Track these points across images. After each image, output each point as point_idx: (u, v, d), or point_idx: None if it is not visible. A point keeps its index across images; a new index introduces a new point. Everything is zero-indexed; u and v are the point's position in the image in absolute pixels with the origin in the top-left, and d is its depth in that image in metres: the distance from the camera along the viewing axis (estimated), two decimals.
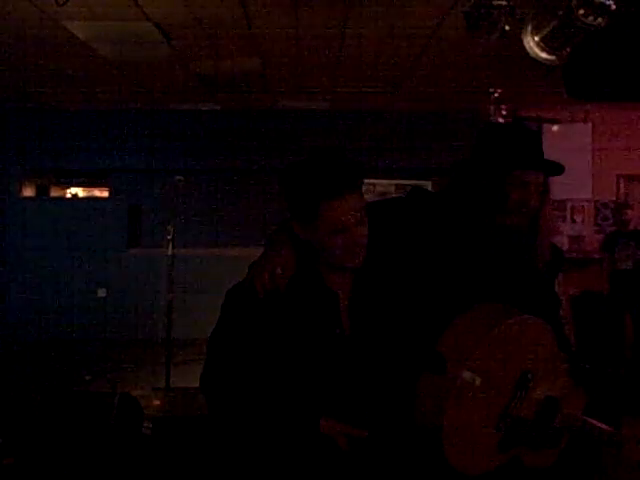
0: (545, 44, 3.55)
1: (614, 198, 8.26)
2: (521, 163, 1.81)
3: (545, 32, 3.51)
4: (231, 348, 1.70)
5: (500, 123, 6.31)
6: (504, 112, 6.43)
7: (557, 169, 1.89)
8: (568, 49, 3.51)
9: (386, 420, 1.70)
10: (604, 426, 1.81)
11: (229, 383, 1.68)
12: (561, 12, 3.28)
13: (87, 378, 5.50)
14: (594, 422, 1.81)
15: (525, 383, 1.72)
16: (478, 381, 1.66)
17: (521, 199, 1.80)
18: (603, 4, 3.09)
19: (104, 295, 8.30)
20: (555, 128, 8.09)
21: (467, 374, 1.65)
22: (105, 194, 8.83)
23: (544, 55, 3.62)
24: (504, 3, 3.52)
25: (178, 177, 5.75)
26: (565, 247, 8.31)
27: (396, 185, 8.27)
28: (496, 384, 1.69)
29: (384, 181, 8.31)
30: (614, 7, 3.10)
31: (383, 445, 1.69)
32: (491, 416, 1.70)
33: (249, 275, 1.72)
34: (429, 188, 7.35)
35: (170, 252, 5.76)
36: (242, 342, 1.69)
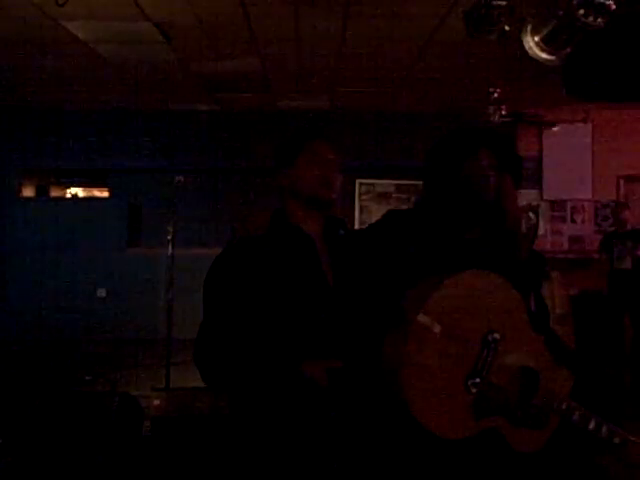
0: (545, 44, 3.55)
1: (614, 198, 8.26)
2: (474, 142, 1.96)
3: (545, 32, 3.51)
4: (221, 308, 1.83)
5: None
6: (504, 112, 6.42)
7: (506, 146, 2.02)
8: (568, 49, 3.51)
9: (361, 359, 1.78)
10: (602, 420, 1.77)
11: (220, 340, 1.80)
12: (561, 12, 3.28)
13: (87, 378, 5.49)
14: (587, 412, 1.77)
15: (492, 343, 1.70)
16: (437, 328, 1.64)
17: (475, 169, 1.93)
18: (603, 4, 3.09)
19: (104, 295, 8.30)
20: (555, 128, 8.10)
21: (423, 317, 1.64)
22: (105, 194, 8.83)
23: (544, 55, 3.61)
24: (504, 3, 3.52)
25: (178, 177, 5.75)
26: (565, 247, 8.32)
27: (396, 185, 8.27)
28: (459, 336, 1.67)
29: (384, 181, 8.31)
30: (614, 7, 3.10)
31: (353, 410, 1.76)
32: (457, 373, 1.67)
33: (230, 239, 1.94)
34: None
35: (170, 252, 5.76)
36: (230, 300, 1.82)
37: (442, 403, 1.65)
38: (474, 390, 1.69)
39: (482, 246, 1.93)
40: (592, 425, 1.77)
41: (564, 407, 1.76)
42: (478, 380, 1.69)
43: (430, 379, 1.64)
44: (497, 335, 1.71)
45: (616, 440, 1.77)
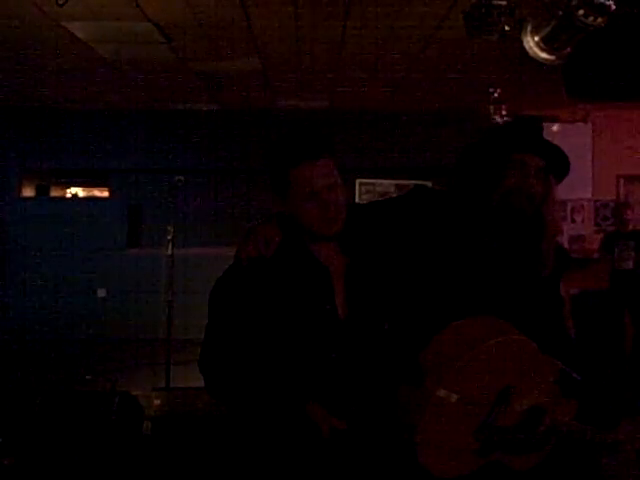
0: (545, 44, 3.55)
1: (614, 198, 8.26)
2: (519, 146, 1.78)
3: (545, 32, 3.51)
4: (226, 327, 1.72)
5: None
6: (504, 112, 6.43)
7: (558, 154, 1.81)
8: (568, 49, 3.51)
9: (366, 417, 1.70)
10: (594, 430, 1.79)
11: (224, 362, 1.71)
12: (561, 12, 3.28)
13: (87, 378, 5.49)
14: (581, 425, 1.78)
15: (506, 397, 1.70)
16: (454, 398, 1.66)
17: (520, 181, 1.76)
18: (603, 4, 3.09)
19: (104, 295, 8.30)
20: (555, 128, 8.09)
21: (443, 392, 1.65)
22: (105, 194, 8.83)
23: (544, 55, 3.61)
24: (504, 3, 3.52)
25: (178, 177, 5.75)
26: (565, 247, 8.30)
27: (396, 185, 8.27)
28: (475, 400, 1.68)
29: (384, 181, 8.31)
30: (614, 7, 3.10)
31: (361, 440, 1.69)
32: (468, 428, 1.70)
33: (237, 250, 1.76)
34: None
35: (170, 252, 5.76)
36: (236, 320, 1.71)
37: (450, 452, 1.69)
38: (482, 437, 1.70)
39: (509, 257, 1.82)
40: (589, 435, 1.79)
41: (564, 430, 1.78)
42: (486, 431, 1.70)
43: (442, 437, 1.67)
44: (512, 389, 1.71)
45: (609, 442, 1.80)
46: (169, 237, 5.77)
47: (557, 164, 1.81)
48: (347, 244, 1.77)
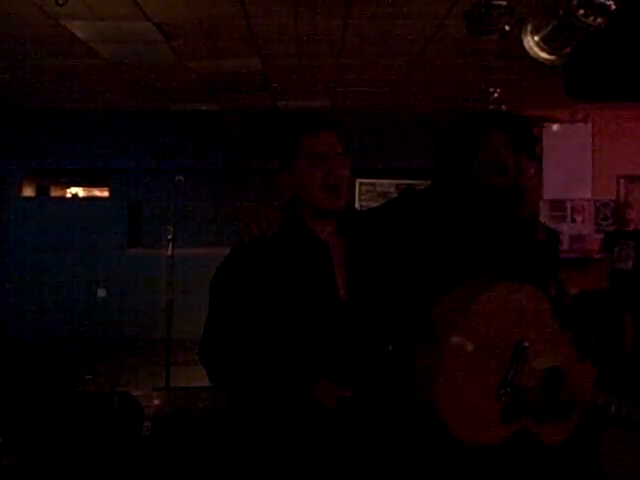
0: (545, 44, 3.55)
1: (614, 198, 8.26)
2: (484, 125, 1.89)
3: (545, 32, 3.51)
4: (230, 309, 1.73)
5: None
6: None
7: (520, 125, 1.93)
8: (568, 49, 3.51)
9: (374, 387, 1.72)
10: (620, 402, 1.80)
11: (227, 344, 1.72)
12: (561, 12, 3.28)
13: (87, 378, 5.49)
14: (608, 396, 1.80)
15: (522, 351, 1.71)
16: (470, 347, 1.66)
17: (491, 155, 1.84)
18: (603, 4, 3.09)
19: (104, 295, 8.30)
20: (555, 128, 8.10)
21: (456, 339, 1.65)
22: (105, 194, 8.83)
23: (544, 55, 3.62)
24: (504, 3, 3.52)
25: (178, 177, 5.75)
26: (565, 247, 8.31)
27: (396, 185, 8.27)
28: (491, 351, 1.68)
29: (384, 181, 8.31)
30: (614, 7, 3.10)
31: (368, 411, 1.71)
32: (489, 385, 1.68)
33: (238, 238, 1.79)
34: None
35: (170, 252, 5.76)
36: (240, 301, 1.72)
37: (473, 412, 1.68)
38: (504, 398, 1.70)
39: (502, 235, 1.89)
40: (613, 409, 1.81)
41: (588, 398, 1.80)
42: (509, 389, 1.70)
43: (462, 393, 1.66)
44: (526, 343, 1.71)
45: (635, 417, 1.81)
46: (169, 237, 5.77)
47: (521, 136, 1.90)
48: (346, 229, 1.81)
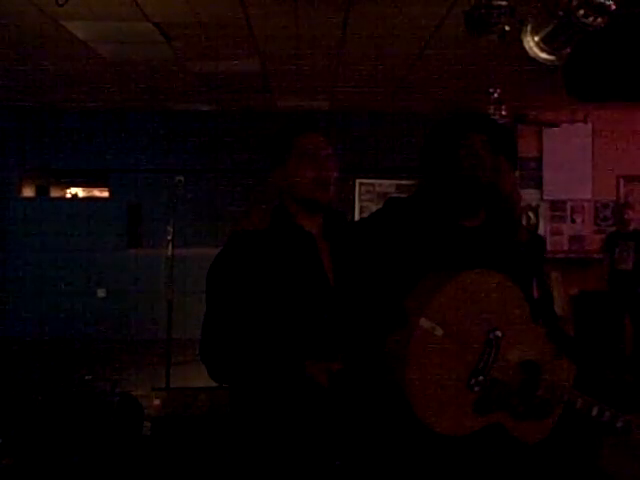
0: (545, 44, 3.55)
1: (614, 198, 8.27)
2: (463, 127, 1.95)
3: (545, 32, 3.51)
4: (226, 303, 1.81)
5: None
6: (504, 112, 6.42)
7: (497, 127, 1.99)
8: (568, 49, 3.51)
9: (358, 364, 1.76)
10: (605, 406, 1.77)
11: (227, 336, 1.78)
12: (561, 12, 3.28)
13: (87, 378, 5.49)
14: (590, 399, 1.77)
15: (495, 341, 1.71)
16: (439, 331, 1.65)
17: (469, 157, 1.89)
18: (603, 4, 3.09)
19: (104, 295, 8.30)
20: (555, 128, 8.10)
21: (425, 322, 1.65)
22: (105, 194, 8.83)
23: (544, 55, 3.61)
24: (504, 3, 3.51)
25: (178, 177, 5.75)
26: (565, 247, 8.32)
27: (396, 185, 8.27)
28: (462, 338, 1.68)
29: (384, 181, 8.31)
30: (614, 7, 3.10)
31: (358, 387, 1.76)
32: (460, 373, 1.68)
33: (231, 233, 1.91)
34: None
35: (170, 252, 5.76)
36: (235, 295, 1.80)
37: (444, 402, 1.67)
38: (477, 388, 1.70)
39: (482, 233, 1.92)
40: (595, 411, 1.78)
41: (566, 397, 1.77)
42: (481, 378, 1.70)
43: (432, 379, 1.65)
44: (499, 333, 1.71)
45: (619, 424, 1.78)
46: (169, 237, 5.77)
47: (500, 139, 1.95)
48: (331, 232, 1.92)
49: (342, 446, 1.75)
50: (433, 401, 1.66)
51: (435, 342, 1.65)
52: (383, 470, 1.79)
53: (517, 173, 7.04)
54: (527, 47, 3.64)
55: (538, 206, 8.27)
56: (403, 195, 2.23)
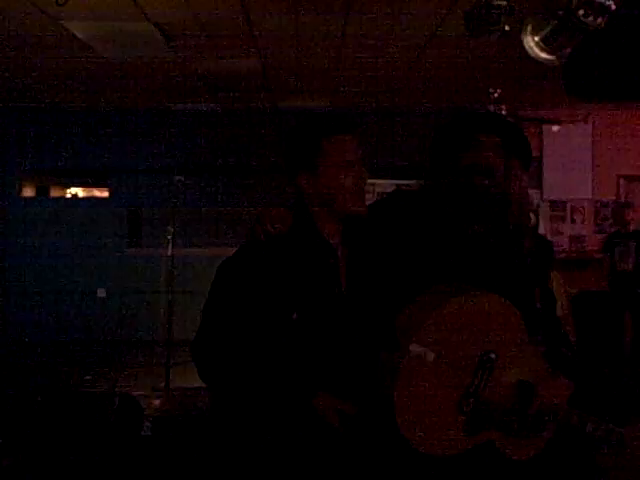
0: (545, 44, 3.55)
1: (614, 198, 8.26)
2: (473, 126, 1.86)
3: (545, 32, 3.50)
4: (227, 312, 1.71)
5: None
6: (504, 112, 6.42)
7: (512, 130, 1.89)
8: (568, 49, 3.50)
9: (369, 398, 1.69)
10: (599, 421, 1.75)
11: (223, 343, 1.68)
12: (561, 12, 3.28)
13: (87, 378, 5.50)
14: (581, 414, 1.75)
15: (488, 363, 1.67)
16: (430, 356, 1.62)
17: (476, 157, 1.81)
18: (603, 4, 3.09)
19: (104, 295, 8.30)
20: (555, 128, 8.10)
21: (416, 347, 1.61)
22: (105, 194, 8.83)
23: (544, 55, 3.61)
24: (504, 3, 3.51)
25: (178, 177, 5.75)
26: (565, 247, 8.31)
27: (396, 185, 8.27)
28: (454, 361, 1.65)
29: (384, 181, 8.31)
30: (614, 7, 3.10)
31: (372, 427, 1.68)
32: (450, 396, 1.65)
33: (248, 233, 1.78)
34: None
35: (170, 252, 5.76)
36: (242, 301, 1.69)
37: (433, 423, 1.64)
38: (466, 409, 1.67)
39: (488, 240, 1.86)
40: (590, 427, 1.76)
41: (560, 416, 1.74)
42: (472, 400, 1.67)
43: (422, 402, 1.63)
44: (493, 355, 1.69)
45: (613, 438, 1.76)
46: (169, 237, 5.78)
47: (513, 140, 1.86)
48: (350, 237, 1.81)
49: (334, 463, 1.69)
50: (423, 425, 1.63)
51: (426, 367, 1.62)
52: None
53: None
54: (527, 47, 3.63)
55: (538, 206, 8.27)
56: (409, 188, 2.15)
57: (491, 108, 6.44)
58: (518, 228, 1.90)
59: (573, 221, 8.37)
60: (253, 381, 1.65)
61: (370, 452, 1.72)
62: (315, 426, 1.61)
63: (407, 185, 8.07)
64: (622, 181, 8.29)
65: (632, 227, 6.78)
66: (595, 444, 1.79)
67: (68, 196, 9.17)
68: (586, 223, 8.37)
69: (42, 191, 8.98)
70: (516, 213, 1.89)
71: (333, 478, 1.69)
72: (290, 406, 1.62)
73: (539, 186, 8.31)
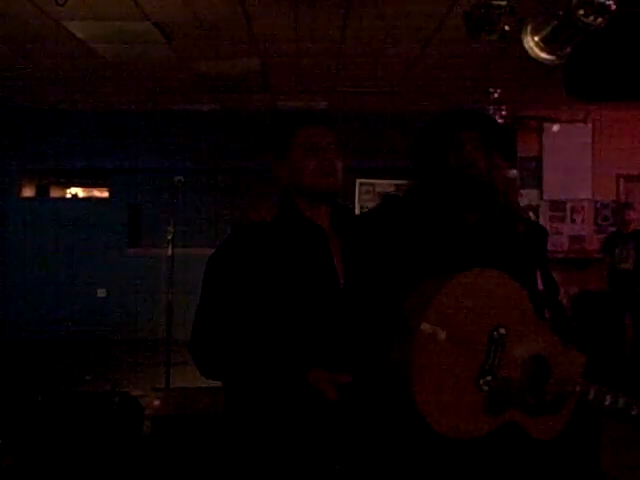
0: (545, 44, 3.55)
1: (614, 198, 8.26)
2: (455, 125, 1.91)
3: (545, 32, 3.51)
4: (221, 302, 1.73)
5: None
6: (504, 112, 6.43)
7: (489, 122, 1.96)
8: (568, 49, 3.51)
9: (369, 374, 1.71)
10: (618, 393, 1.75)
11: (220, 332, 1.70)
12: (561, 12, 3.28)
13: (87, 378, 5.50)
14: (602, 388, 1.75)
15: (500, 339, 1.68)
16: (442, 334, 1.63)
17: (459, 156, 1.87)
18: (603, 4, 3.09)
19: (104, 295, 8.30)
20: (555, 128, 8.09)
21: (426, 327, 1.62)
22: (105, 194, 8.83)
23: (544, 55, 3.62)
24: (504, 3, 3.52)
25: (178, 177, 5.74)
26: (565, 247, 8.31)
27: (396, 185, 8.27)
28: (465, 339, 1.65)
29: (384, 181, 8.31)
30: (614, 7, 3.10)
31: (367, 401, 1.70)
32: (467, 375, 1.66)
33: (234, 225, 1.85)
34: None
35: (170, 252, 5.76)
36: (235, 290, 1.72)
37: (455, 407, 1.64)
38: (486, 388, 1.67)
39: (480, 228, 1.90)
40: (608, 400, 1.76)
41: (578, 389, 1.74)
42: (489, 378, 1.67)
43: (440, 385, 1.63)
44: (503, 330, 1.69)
45: (634, 411, 1.76)
46: (169, 237, 5.77)
47: (492, 134, 1.92)
48: (340, 227, 1.85)
49: (342, 451, 1.71)
50: (444, 408, 1.63)
51: (439, 345, 1.63)
52: (390, 476, 1.76)
53: (515, 171, 7.02)
54: (527, 47, 3.64)
55: (538, 206, 8.28)
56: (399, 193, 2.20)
57: (491, 108, 6.44)
58: (508, 214, 1.95)
59: (573, 221, 8.37)
60: (251, 365, 1.67)
61: (374, 424, 1.73)
62: (314, 403, 1.62)
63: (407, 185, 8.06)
64: (622, 181, 8.29)
65: (632, 227, 6.78)
66: (615, 417, 1.79)
67: (68, 196, 9.18)
68: (586, 223, 8.37)
69: (42, 191, 8.98)
70: (502, 200, 1.93)
71: (337, 454, 1.70)
72: (286, 384, 1.64)
73: (539, 186, 8.31)
